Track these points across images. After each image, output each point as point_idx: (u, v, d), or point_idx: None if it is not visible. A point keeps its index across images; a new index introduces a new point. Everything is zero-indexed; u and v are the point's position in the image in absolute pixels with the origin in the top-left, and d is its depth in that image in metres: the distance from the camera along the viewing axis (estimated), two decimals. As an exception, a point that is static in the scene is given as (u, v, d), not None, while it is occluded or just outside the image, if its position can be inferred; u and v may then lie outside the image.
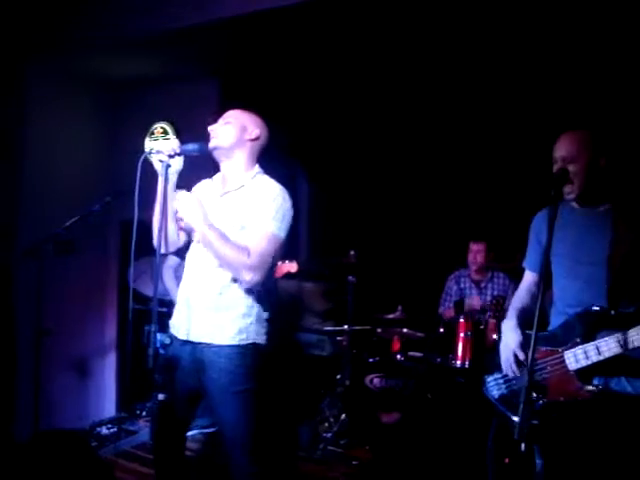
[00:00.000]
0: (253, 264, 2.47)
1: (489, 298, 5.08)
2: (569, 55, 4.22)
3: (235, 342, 2.56)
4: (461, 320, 4.60)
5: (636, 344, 2.19)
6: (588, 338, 2.30)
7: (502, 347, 2.55)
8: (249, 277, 2.49)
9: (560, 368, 2.35)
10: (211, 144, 2.61)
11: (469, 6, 3.67)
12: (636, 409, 2.28)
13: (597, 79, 4.31)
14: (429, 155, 5.31)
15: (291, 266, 4.17)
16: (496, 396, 2.62)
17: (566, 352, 2.34)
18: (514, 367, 2.49)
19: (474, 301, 5.03)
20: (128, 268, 2.54)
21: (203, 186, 2.82)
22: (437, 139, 5.24)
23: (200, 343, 2.58)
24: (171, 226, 2.65)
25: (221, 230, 2.51)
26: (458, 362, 4.55)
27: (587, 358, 2.28)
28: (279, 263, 3.98)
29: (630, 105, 4.20)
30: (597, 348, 2.26)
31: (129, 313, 2.56)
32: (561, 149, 2.43)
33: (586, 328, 2.32)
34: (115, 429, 4.63)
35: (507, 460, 2.45)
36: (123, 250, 5.24)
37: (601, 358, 2.25)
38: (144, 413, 4.88)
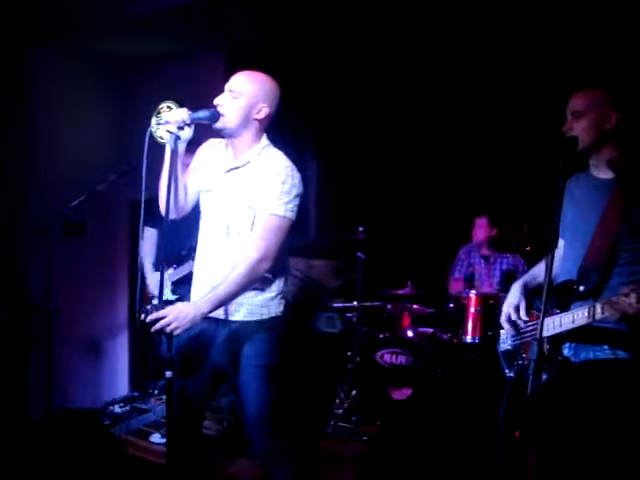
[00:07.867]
0: (261, 256, 2.46)
1: (498, 273, 5.08)
2: (571, 24, 4.14)
3: (257, 317, 2.58)
4: (471, 295, 4.59)
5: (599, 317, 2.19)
6: (563, 308, 2.38)
7: (503, 304, 2.67)
8: (264, 268, 2.48)
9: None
10: (218, 124, 2.52)
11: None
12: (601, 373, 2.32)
13: (601, 46, 4.23)
14: (436, 130, 5.26)
15: None
16: (502, 349, 2.75)
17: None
18: (505, 324, 2.62)
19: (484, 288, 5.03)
20: (137, 246, 2.51)
21: (210, 148, 2.74)
22: (445, 115, 5.18)
23: (223, 320, 2.59)
24: (180, 192, 2.63)
25: (214, 290, 2.44)
26: (468, 337, 4.55)
27: (554, 328, 2.36)
28: None
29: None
30: (561, 318, 2.33)
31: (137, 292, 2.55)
32: (573, 104, 2.46)
33: (562, 299, 2.40)
34: (128, 408, 4.68)
35: (517, 433, 2.47)
36: (133, 230, 5.26)
37: (568, 328, 2.31)
38: (156, 392, 4.93)
